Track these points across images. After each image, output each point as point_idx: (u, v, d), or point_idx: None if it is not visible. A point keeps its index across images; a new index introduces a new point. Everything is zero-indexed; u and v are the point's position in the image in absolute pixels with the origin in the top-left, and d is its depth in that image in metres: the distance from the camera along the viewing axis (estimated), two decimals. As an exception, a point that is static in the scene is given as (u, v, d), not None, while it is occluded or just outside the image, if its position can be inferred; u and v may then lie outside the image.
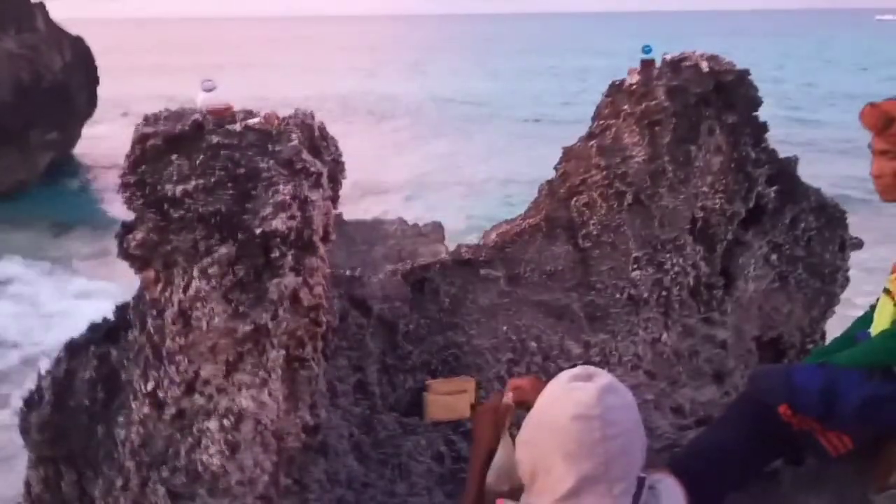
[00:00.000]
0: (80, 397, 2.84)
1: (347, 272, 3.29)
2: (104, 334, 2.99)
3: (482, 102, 42.63)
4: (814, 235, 3.78)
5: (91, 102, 24.84)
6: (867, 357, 2.69)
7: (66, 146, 24.59)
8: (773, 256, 3.72)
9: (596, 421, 1.76)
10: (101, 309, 3.08)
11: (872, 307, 2.90)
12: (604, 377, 1.82)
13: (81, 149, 26.17)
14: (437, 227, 5.17)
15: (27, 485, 2.92)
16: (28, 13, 22.61)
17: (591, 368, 1.89)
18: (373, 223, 5.02)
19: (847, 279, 3.87)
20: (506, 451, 2.33)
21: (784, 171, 3.74)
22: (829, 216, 3.82)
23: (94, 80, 24.79)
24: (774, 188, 3.67)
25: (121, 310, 3.02)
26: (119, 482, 2.70)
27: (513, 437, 2.29)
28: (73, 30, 24.21)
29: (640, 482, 1.83)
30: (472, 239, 3.81)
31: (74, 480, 2.83)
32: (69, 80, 23.08)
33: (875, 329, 2.80)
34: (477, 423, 2.45)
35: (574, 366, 2.12)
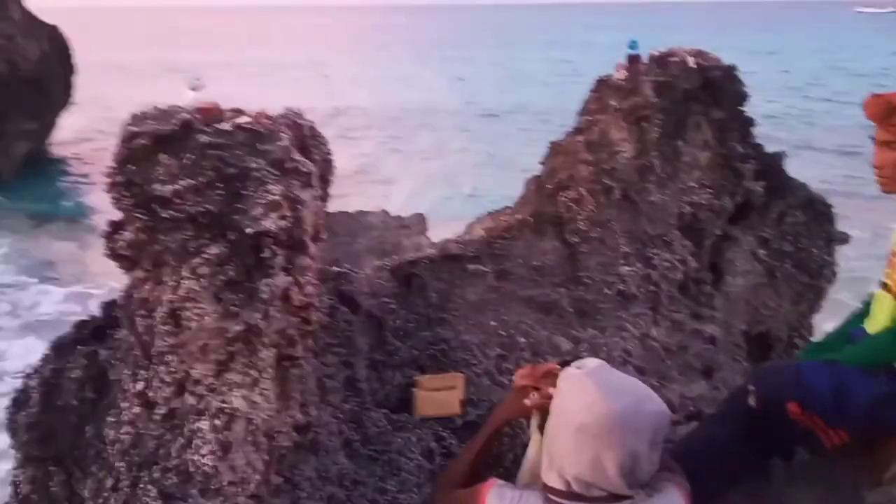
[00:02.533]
0: (69, 397, 2.81)
1: (335, 268, 3.27)
2: (91, 333, 2.96)
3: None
4: (801, 230, 3.80)
5: (67, 93, 24.52)
6: (874, 355, 2.65)
7: (43, 136, 24.30)
8: (761, 251, 3.75)
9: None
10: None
11: (867, 302, 2.87)
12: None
13: (57, 139, 25.87)
14: (420, 219, 5.15)
15: (15, 485, 2.89)
16: (2, 2, 22.25)
17: (594, 364, 1.97)
18: (356, 215, 5.00)
19: (834, 273, 3.90)
20: (536, 449, 2.29)
21: (771, 167, 3.76)
22: (816, 211, 3.85)
23: (71, 71, 24.48)
24: (762, 183, 3.69)
25: (107, 307, 2.99)
26: (109, 482, 2.68)
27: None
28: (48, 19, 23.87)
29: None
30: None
31: (63, 480, 2.81)
32: (46, 70, 22.76)
33: (873, 324, 2.76)
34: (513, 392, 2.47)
35: (568, 362, 2.15)
